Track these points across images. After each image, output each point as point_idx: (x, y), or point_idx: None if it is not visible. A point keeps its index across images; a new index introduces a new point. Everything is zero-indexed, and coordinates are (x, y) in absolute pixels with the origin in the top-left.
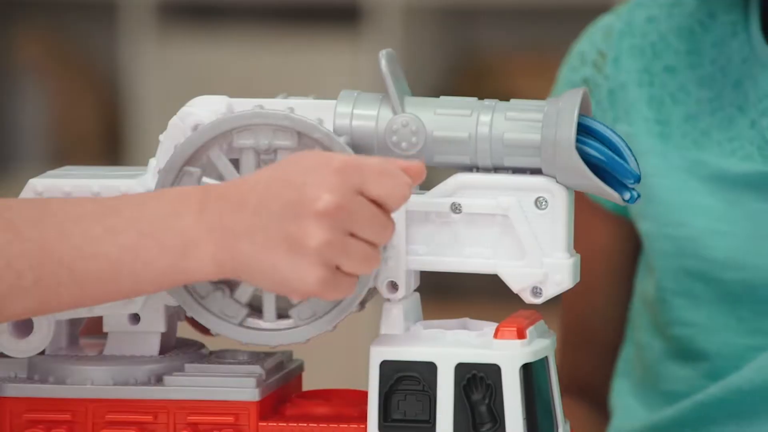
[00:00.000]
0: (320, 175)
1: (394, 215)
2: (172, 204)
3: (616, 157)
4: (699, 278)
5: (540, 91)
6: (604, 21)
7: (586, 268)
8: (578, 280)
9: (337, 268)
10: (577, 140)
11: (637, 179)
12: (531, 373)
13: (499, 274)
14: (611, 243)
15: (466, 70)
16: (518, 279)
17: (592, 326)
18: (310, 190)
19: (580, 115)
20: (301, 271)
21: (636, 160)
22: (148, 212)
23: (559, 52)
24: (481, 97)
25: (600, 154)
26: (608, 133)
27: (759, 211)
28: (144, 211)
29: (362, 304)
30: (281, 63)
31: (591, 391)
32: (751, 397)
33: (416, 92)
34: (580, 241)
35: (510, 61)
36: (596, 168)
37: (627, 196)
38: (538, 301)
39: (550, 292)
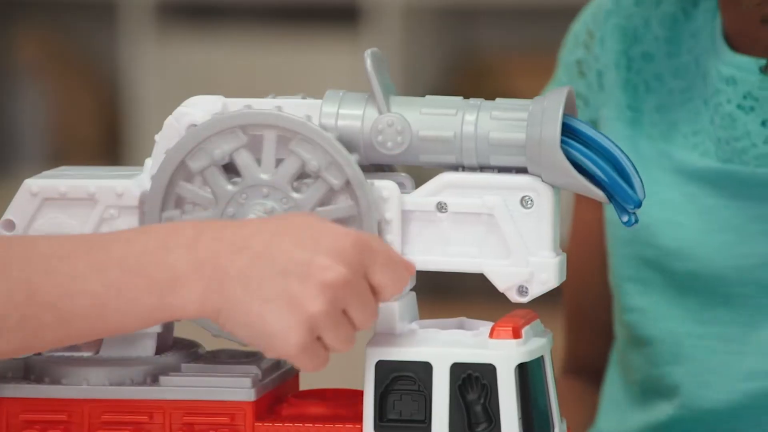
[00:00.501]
0: (337, 246)
1: (390, 213)
2: (161, 238)
3: (620, 180)
4: (651, 266)
5: (539, 92)
6: (597, 0)
7: (577, 250)
8: (564, 278)
9: (318, 338)
10: (582, 153)
11: (638, 205)
12: (527, 373)
13: (485, 273)
14: (599, 225)
15: (466, 70)
16: (504, 278)
17: (587, 307)
18: (324, 258)
19: (586, 124)
20: (289, 330)
21: (642, 181)
22: (136, 247)
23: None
24: (480, 98)
25: (604, 174)
26: (615, 151)
27: (712, 207)
28: (132, 247)
29: None
30: (281, 63)
31: (589, 370)
32: (720, 419)
33: (415, 92)
34: (571, 222)
35: (510, 61)
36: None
37: (625, 218)
38: (524, 300)
39: (535, 291)
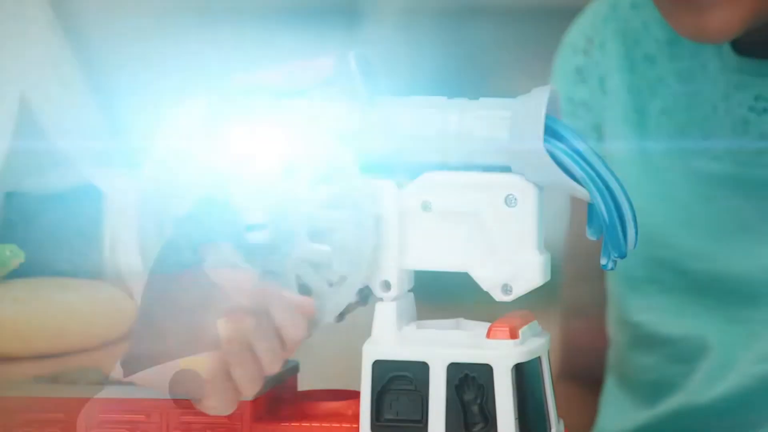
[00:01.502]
0: (234, 285)
1: (387, 213)
2: None
3: (618, 226)
4: (666, 266)
5: None
6: (592, 7)
7: (578, 251)
8: (548, 278)
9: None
10: (596, 189)
11: (623, 257)
12: (523, 373)
13: (469, 272)
14: None
15: (466, 70)
16: (488, 277)
17: (587, 309)
18: (224, 293)
19: (598, 157)
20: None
21: (636, 229)
22: None
23: None
24: (479, 98)
25: (608, 214)
26: (619, 195)
27: (728, 208)
28: None
29: (341, 315)
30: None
31: (587, 375)
32: (729, 405)
33: (415, 92)
34: (569, 223)
35: (510, 61)
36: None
37: (604, 261)
38: (509, 298)
39: (520, 289)
